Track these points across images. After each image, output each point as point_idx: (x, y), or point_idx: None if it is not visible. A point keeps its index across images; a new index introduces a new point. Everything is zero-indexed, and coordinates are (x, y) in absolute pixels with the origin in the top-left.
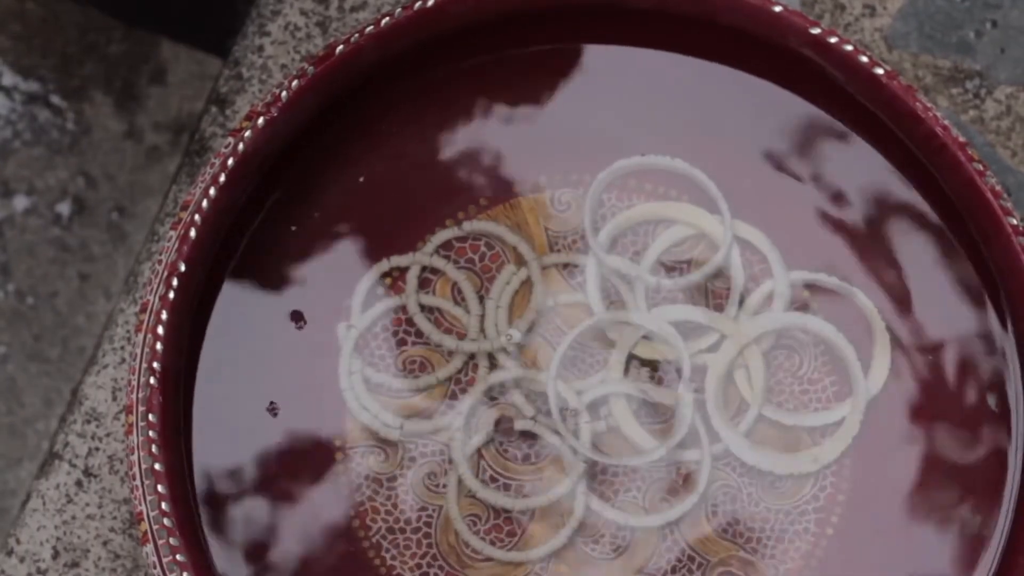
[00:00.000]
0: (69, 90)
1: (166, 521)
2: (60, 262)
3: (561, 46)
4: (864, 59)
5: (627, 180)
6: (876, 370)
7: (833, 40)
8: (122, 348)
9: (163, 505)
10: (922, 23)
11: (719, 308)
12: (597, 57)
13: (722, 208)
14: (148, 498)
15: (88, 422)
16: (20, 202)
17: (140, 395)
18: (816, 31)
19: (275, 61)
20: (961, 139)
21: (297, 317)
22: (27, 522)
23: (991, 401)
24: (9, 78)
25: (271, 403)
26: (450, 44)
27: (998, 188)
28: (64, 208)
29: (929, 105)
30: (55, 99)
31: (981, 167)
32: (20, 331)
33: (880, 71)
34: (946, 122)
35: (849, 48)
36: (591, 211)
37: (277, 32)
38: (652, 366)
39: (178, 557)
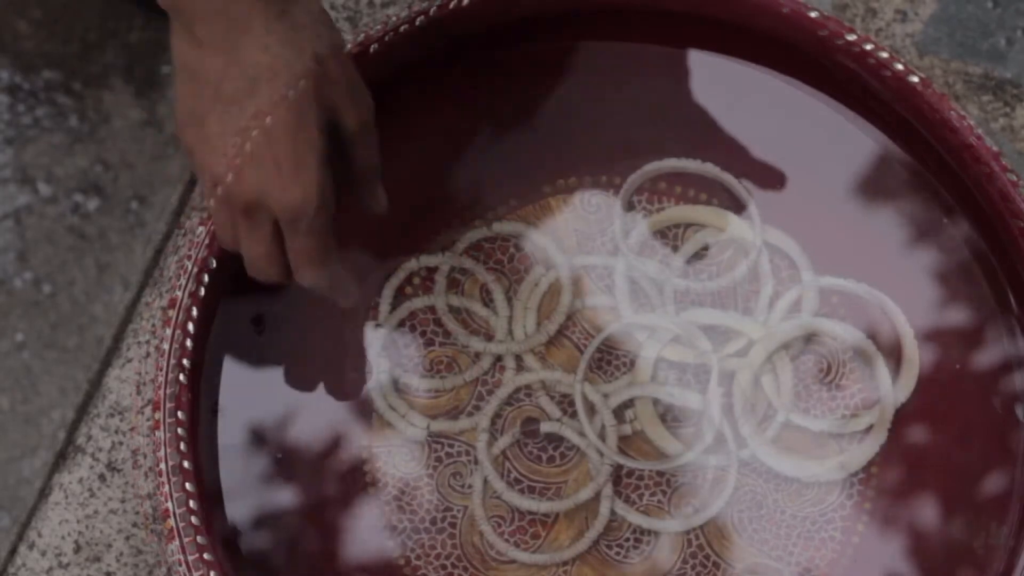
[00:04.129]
0: (89, 77)
1: (193, 519)
2: (78, 250)
3: (594, 47)
4: (899, 66)
5: (657, 183)
6: (904, 378)
7: (868, 47)
8: (147, 342)
9: (191, 503)
10: (953, 30)
11: (748, 312)
12: (629, 58)
13: (752, 212)
14: (175, 495)
15: (112, 416)
16: (39, 190)
17: (168, 391)
18: (851, 37)
19: None
20: (995, 149)
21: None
22: (49, 516)
23: (1019, 411)
24: (29, 65)
25: (296, 402)
26: (483, 42)
27: None
28: (82, 196)
29: (963, 114)
30: (75, 86)
31: (1015, 177)
32: (37, 319)
33: (915, 79)
34: (980, 131)
35: (884, 55)
36: (621, 213)
37: None
38: (680, 369)
39: (205, 556)
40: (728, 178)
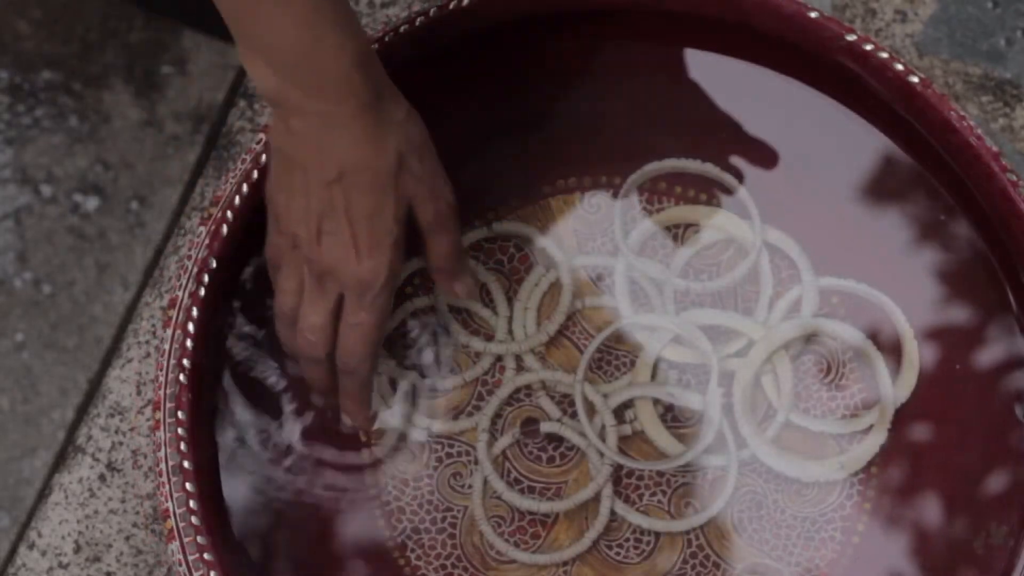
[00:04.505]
0: (89, 78)
1: (193, 519)
2: (78, 251)
3: (593, 47)
4: (899, 67)
5: (657, 183)
6: (904, 378)
7: (868, 47)
8: (147, 342)
9: (191, 503)
10: (953, 30)
11: (748, 312)
12: (629, 58)
13: (752, 213)
14: (175, 495)
15: (112, 416)
16: (39, 190)
17: (168, 391)
18: (851, 37)
19: None
20: (995, 149)
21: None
22: (49, 516)
23: (1019, 412)
24: (29, 65)
25: (297, 401)
26: (483, 43)
27: None
28: (82, 197)
29: (963, 114)
30: (75, 87)
31: (1015, 177)
32: (37, 320)
33: (915, 79)
34: (979, 132)
35: (884, 55)
36: (621, 214)
37: None
38: (680, 370)
39: (205, 556)
40: (728, 178)
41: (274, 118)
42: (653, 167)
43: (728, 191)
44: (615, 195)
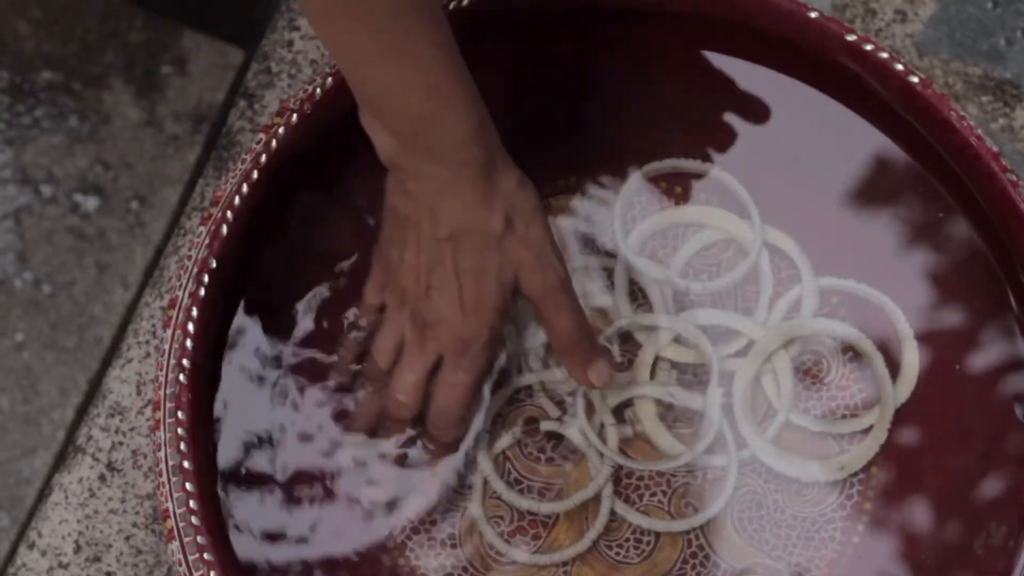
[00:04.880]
0: (89, 78)
1: (193, 519)
2: (78, 251)
3: (593, 48)
4: (899, 67)
5: (658, 183)
6: (904, 378)
7: (868, 47)
8: (147, 342)
9: (191, 503)
10: (953, 30)
11: (748, 312)
12: (630, 58)
13: (752, 213)
14: (175, 495)
15: (112, 416)
16: (38, 190)
17: (168, 391)
18: (851, 38)
19: (304, 56)
20: (995, 149)
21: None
22: (49, 516)
23: (1019, 412)
24: (29, 65)
25: (298, 402)
26: (482, 42)
27: None
28: (82, 197)
29: (963, 114)
30: (75, 87)
31: (1015, 177)
32: (36, 320)
33: (915, 79)
34: (980, 132)
35: (884, 55)
36: (621, 214)
37: (307, 27)
38: (680, 369)
39: (205, 556)
40: (728, 178)
41: (390, 178)
42: (653, 167)
43: (728, 191)
44: (615, 195)
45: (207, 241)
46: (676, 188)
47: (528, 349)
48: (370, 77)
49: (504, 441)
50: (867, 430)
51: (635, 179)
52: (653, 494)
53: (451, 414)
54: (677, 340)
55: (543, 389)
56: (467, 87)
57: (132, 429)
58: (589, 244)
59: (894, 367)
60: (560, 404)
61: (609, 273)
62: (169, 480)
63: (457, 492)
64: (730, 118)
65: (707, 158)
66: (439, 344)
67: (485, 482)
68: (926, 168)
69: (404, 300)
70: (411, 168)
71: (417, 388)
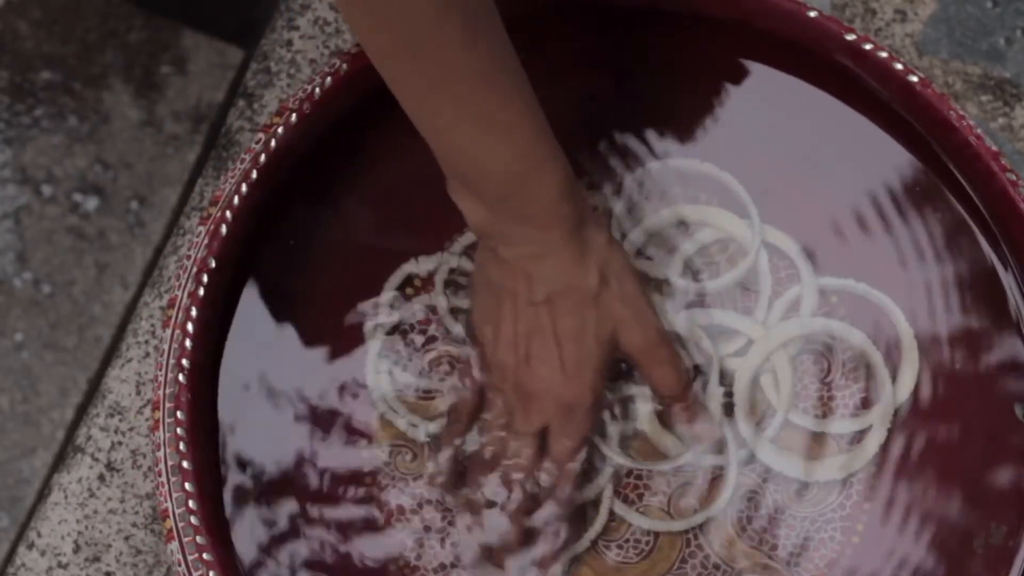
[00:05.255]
0: (89, 77)
1: (193, 519)
2: (77, 251)
3: (591, 46)
4: (898, 66)
5: (658, 183)
6: (904, 378)
7: (867, 47)
8: (146, 342)
9: (190, 503)
10: (953, 29)
11: (747, 312)
12: (628, 57)
13: (751, 212)
14: (175, 495)
15: (111, 416)
16: (38, 190)
17: (168, 391)
18: (851, 37)
19: (304, 56)
20: (994, 148)
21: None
22: (48, 515)
23: (1019, 411)
24: (29, 65)
25: (297, 402)
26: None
27: None
28: (82, 197)
29: (963, 114)
30: (75, 86)
31: (1014, 177)
32: (36, 319)
33: (914, 79)
34: (979, 131)
35: (883, 55)
36: (620, 213)
37: (306, 27)
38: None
39: (204, 556)
40: (727, 178)
41: (481, 249)
42: (653, 167)
43: (726, 190)
44: (615, 195)
45: (206, 241)
46: (676, 188)
47: None
48: (456, 145)
49: None
50: (867, 430)
51: (635, 179)
52: (653, 494)
53: (561, 481)
54: (677, 340)
55: None
56: (552, 144)
57: (131, 429)
58: None
59: (893, 367)
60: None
61: None
62: (168, 480)
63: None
64: (728, 117)
65: (706, 158)
66: (544, 415)
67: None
68: (925, 167)
69: (505, 376)
70: (503, 234)
71: (532, 464)
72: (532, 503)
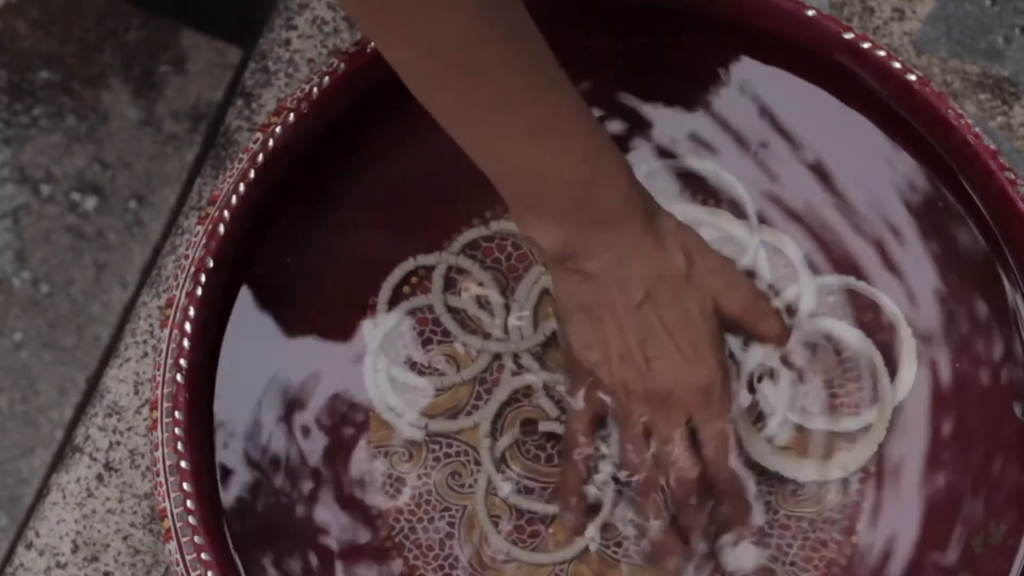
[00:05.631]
0: (87, 77)
1: (191, 519)
2: (76, 250)
3: (591, 45)
4: (897, 65)
5: (657, 182)
6: (903, 377)
7: (865, 45)
8: (144, 342)
9: (188, 503)
10: (951, 28)
11: None
12: (627, 57)
13: (749, 211)
14: (172, 495)
15: (109, 416)
16: (37, 189)
17: (165, 391)
18: (849, 36)
19: (302, 55)
20: (992, 147)
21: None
22: (47, 515)
23: (1017, 410)
24: (27, 65)
25: (295, 402)
26: None
27: None
28: (80, 196)
29: (961, 112)
30: (73, 86)
31: (1012, 175)
32: (35, 319)
33: (912, 77)
34: (977, 130)
35: (882, 54)
36: None
37: (304, 26)
38: None
39: (202, 555)
40: (726, 177)
41: (562, 274)
42: (651, 166)
43: (725, 189)
44: None
45: (204, 241)
46: (673, 187)
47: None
48: (521, 165)
49: (504, 441)
50: (865, 429)
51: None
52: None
53: (728, 467)
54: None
55: (543, 388)
56: (608, 138)
57: (130, 429)
58: None
59: (892, 366)
60: (560, 404)
61: None
62: (166, 480)
63: (456, 491)
64: (726, 116)
65: (703, 157)
66: (683, 407)
67: (489, 482)
68: (923, 166)
69: (629, 390)
70: (586, 248)
71: (686, 452)
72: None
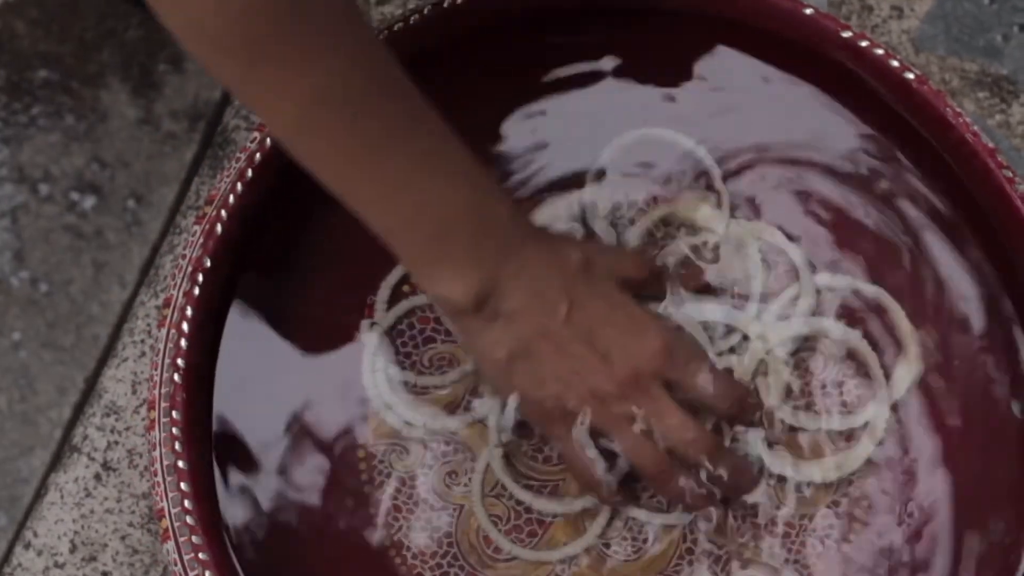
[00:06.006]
0: (86, 76)
1: (188, 519)
2: (75, 249)
3: (588, 44)
4: (895, 63)
5: (657, 181)
6: (900, 375)
7: (864, 44)
8: (142, 341)
9: (186, 503)
10: (949, 26)
11: (744, 310)
12: (627, 55)
13: (748, 210)
14: (170, 495)
15: (107, 415)
16: (35, 189)
17: (163, 391)
18: (847, 34)
19: None
20: (990, 145)
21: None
22: (45, 515)
23: (1015, 408)
24: (26, 64)
25: (293, 401)
26: (478, 40)
27: None
28: (79, 195)
29: (959, 111)
30: (72, 85)
31: (1010, 174)
32: (34, 318)
33: (911, 75)
34: (976, 128)
35: (880, 52)
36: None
37: None
38: None
39: (200, 555)
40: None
41: (482, 332)
42: (619, 140)
43: (724, 188)
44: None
45: (201, 240)
46: (672, 186)
47: None
48: (415, 204)
49: (503, 439)
50: (863, 427)
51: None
52: (651, 492)
53: (733, 396)
54: None
55: None
56: (480, 163)
57: (128, 428)
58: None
59: (890, 365)
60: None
61: None
62: (164, 480)
63: (455, 489)
64: (725, 115)
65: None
66: (656, 376)
67: (484, 480)
68: (922, 165)
69: (602, 395)
70: (497, 284)
71: (684, 422)
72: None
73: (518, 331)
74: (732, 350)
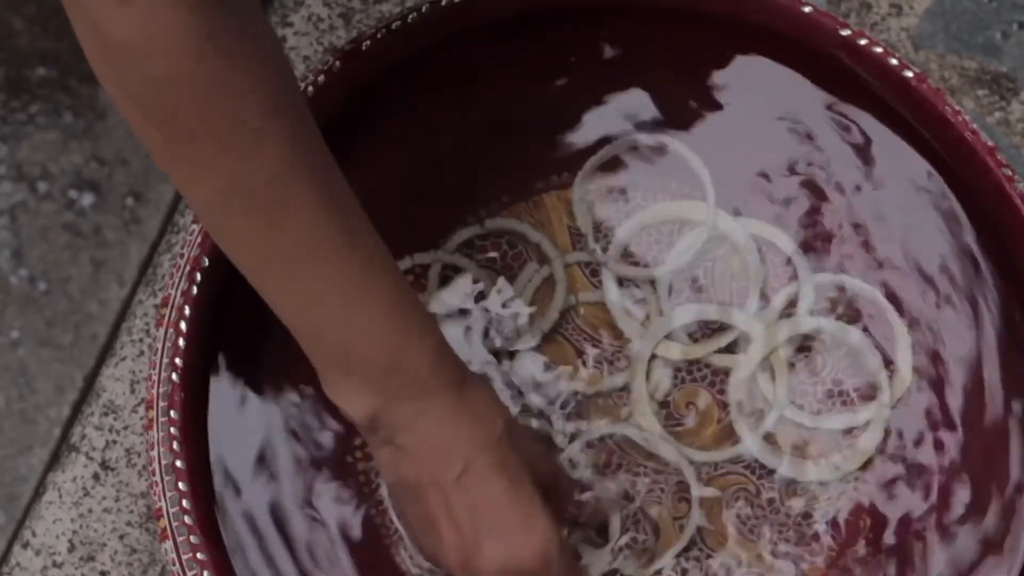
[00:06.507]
0: (84, 74)
1: (186, 519)
2: (73, 247)
3: (587, 44)
4: (894, 61)
5: (655, 180)
6: (901, 375)
7: (863, 42)
8: (140, 340)
9: (184, 502)
10: (948, 23)
11: (743, 309)
12: (624, 54)
13: (746, 210)
14: (168, 495)
15: (105, 415)
16: (34, 187)
17: (161, 390)
18: (846, 32)
19: (297, 52)
20: (990, 143)
21: None
22: (43, 515)
23: (1016, 408)
24: (24, 62)
25: (291, 401)
26: (476, 39)
27: None
28: (77, 193)
29: (958, 109)
30: (70, 83)
31: (1010, 172)
32: (32, 317)
33: (910, 74)
34: (975, 126)
35: (879, 50)
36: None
37: (300, 23)
38: (674, 365)
39: (198, 555)
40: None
41: (378, 451)
42: (608, 148)
43: (722, 187)
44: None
45: (199, 239)
46: (671, 184)
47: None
48: (326, 320)
49: None
50: (864, 426)
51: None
52: (651, 491)
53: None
54: (671, 337)
55: (535, 388)
56: (415, 300)
57: (126, 428)
58: (583, 240)
59: (890, 363)
60: (552, 402)
61: (604, 268)
62: (162, 479)
63: None
64: (723, 114)
65: (701, 154)
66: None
67: None
68: (921, 163)
69: (471, 568)
70: (393, 419)
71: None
72: None
73: (411, 469)
74: (731, 349)
